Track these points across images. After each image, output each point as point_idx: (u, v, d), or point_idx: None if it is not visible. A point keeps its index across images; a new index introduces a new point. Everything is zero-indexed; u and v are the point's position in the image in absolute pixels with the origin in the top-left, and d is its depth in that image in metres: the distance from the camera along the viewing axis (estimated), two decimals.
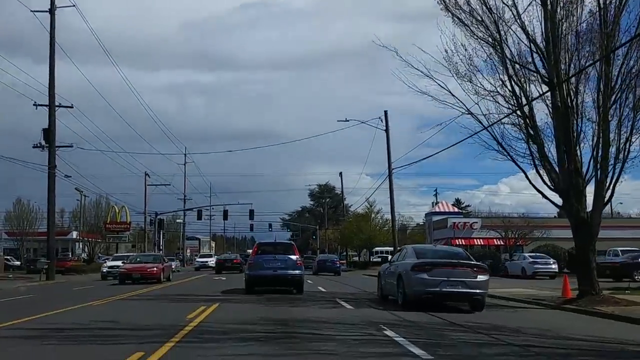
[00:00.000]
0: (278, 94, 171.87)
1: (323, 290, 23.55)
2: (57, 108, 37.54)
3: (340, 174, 69.66)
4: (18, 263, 60.08)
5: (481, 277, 14.80)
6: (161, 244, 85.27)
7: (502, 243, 56.10)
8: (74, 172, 66.66)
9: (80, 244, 73.18)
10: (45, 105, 37.05)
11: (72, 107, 38.83)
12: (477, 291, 14.65)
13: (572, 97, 17.16)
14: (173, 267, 50.90)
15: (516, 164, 17.99)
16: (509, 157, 18.02)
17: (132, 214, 68.49)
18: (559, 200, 17.74)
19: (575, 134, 17.07)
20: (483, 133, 18.25)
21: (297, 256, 21.30)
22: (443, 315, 13.53)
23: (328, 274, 41.94)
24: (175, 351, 8.27)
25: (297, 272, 20.60)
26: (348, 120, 38.38)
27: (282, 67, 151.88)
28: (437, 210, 63.08)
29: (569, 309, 15.82)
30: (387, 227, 57.63)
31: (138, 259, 32.21)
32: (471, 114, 17.75)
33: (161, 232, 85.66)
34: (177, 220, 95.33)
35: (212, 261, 60.00)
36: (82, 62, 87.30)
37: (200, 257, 68.82)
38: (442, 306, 15.37)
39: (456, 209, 64.17)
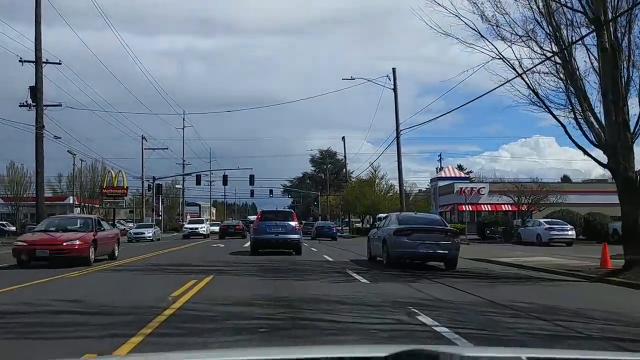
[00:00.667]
0: (278, 59, 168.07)
1: (330, 259, 21.26)
2: (44, 64, 34.93)
3: (343, 138, 67.11)
4: (14, 228, 58.05)
5: (453, 240, 16.66)
6: (160, 209, 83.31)
7: (510, 209, 53.98)
8: (67, 135, 64.28)
9: (78, 209, 71.21)
10: (32, 62, 34.42)
11: (60, 63, 36.19)
12: (449, 252, 16.33)
13: (620, 39, 14.68)
14: (149, 235, 44.32)
15: (554, 116, 15.52)
16: (545, 108, 15.56)
17: (130, 180, 66.42)
18: (603, 158, 15.30)
19: (623, 80, 14.61)
20: (515, 82, 15.71)
21: (296, 222, 23.63)
22: (474, 290, 11.28)
23: (326, 239, 42.96)
24: (143, 350, 5.95)
25: (295, 236, 22.72)
26: (354, 79, 35.66)
27: (282, 33, 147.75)
28: (443, 175, 60.56)
29: (615, 282, 13.54)
30: (392, 192, 55.43)
31: (56, 225, 19.67)
32: (503, 58, 15.18)
33: (160, 198, 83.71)
34: (177, 186, 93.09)
35: (203, 228, 51.42)
36: (79, 26, 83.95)
37: (190, 222, 56.98)
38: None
39: (462, 174, 61.67)
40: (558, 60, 15.39)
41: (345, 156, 66.91)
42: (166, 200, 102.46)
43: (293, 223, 23.03)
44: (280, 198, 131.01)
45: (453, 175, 60.32)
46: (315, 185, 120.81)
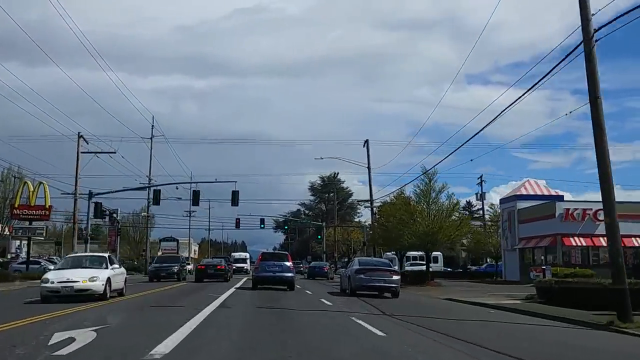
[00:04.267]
0: (271, 100, 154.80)
1: None
2: None
3: (366, 142, 45.83)
4: None
5: (395, 277, 23.23)
6: (116, 242, 61.67)
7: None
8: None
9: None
10: None
11: None
12: (392, 285, 22.84)
13: None
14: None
15: None
16: None
17: (59, 197, 44.96)
18: None
19: None
20: None
21: (290, 263, 27.45)
22: None
23: (320, 279, 44.34)
24: None
25: (289, 274, 26.44)
26: None
27: (276, 74, 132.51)
28: (524, 192, 39.20)
29: None
30: (458, 215, 34.26)
31: None
32: None
33: (117, 227, 62.19)
34: (142, 214, 71.41)
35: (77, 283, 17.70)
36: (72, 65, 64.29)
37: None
38: None
39: (552, 192, 40.17)
40: None
41: (369, 165, 45.20)
42: (134, 232, 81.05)
43: (288, 263, 26.93)
44: (271, 231, 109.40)
45: (540, 192, 39.07)
46: (314, 218, 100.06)
